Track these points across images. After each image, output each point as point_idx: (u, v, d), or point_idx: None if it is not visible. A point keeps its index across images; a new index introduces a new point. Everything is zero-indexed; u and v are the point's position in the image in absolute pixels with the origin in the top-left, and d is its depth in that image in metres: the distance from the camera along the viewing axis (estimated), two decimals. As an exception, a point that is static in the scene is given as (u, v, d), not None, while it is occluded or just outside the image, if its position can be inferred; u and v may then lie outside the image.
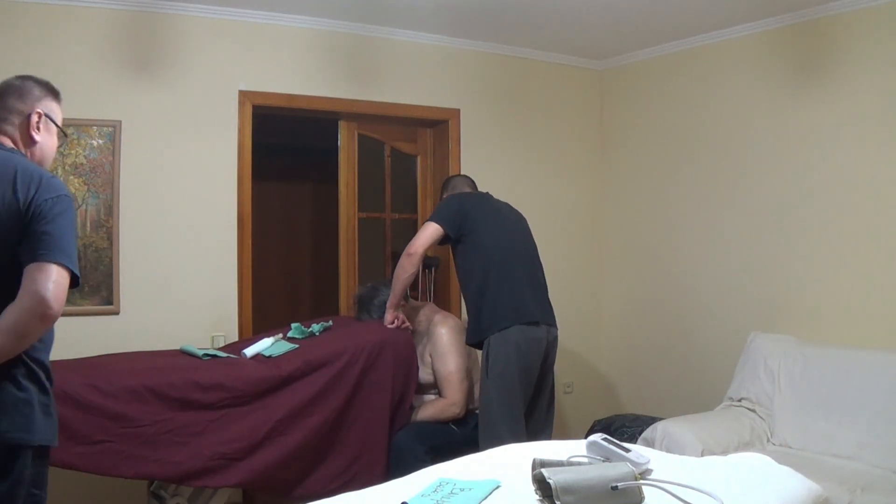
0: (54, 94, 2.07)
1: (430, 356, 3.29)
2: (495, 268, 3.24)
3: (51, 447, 1.87)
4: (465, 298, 3.41)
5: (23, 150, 1.95)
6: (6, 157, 1.84)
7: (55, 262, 1.74)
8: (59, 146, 2.11)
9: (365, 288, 3.56)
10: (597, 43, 4.57)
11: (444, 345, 3.27)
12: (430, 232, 3.26)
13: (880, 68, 3.51)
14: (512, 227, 3.44)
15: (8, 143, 1.92)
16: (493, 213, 3.41)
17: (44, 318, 1.75)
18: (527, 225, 3.56)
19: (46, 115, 2.00)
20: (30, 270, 1.73)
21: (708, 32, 4.23)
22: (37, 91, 2.01)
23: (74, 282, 1.82)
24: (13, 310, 1.72)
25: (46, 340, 1.91)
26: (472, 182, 3.75)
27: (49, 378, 1.89)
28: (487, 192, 3.59)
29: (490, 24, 4.20)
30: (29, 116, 1.96)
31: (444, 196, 3.60)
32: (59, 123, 2.05)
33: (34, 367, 1.83)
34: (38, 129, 1.98)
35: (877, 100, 3.52)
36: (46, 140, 2.02)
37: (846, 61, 3.63)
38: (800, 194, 3.84)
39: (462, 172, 4.54)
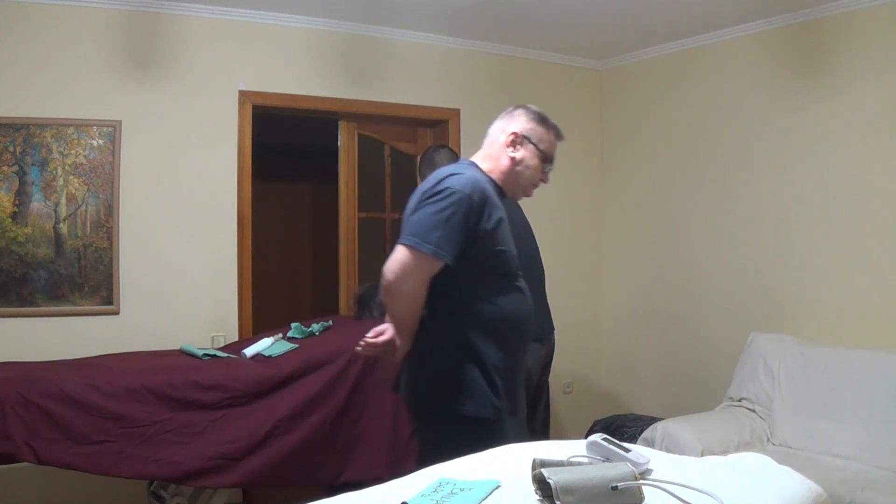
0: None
1: None
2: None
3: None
4: None
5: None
6: None
7: (401, 244, 2.01)
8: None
9: (364, 287, 3.55)
10: (597, 43, 4.57)
11: None
12: None
13: (880, 68, 3.50)
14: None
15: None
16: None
17: (385, 287, 2.04)
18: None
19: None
20: None
21: (708, 32, 4.23)
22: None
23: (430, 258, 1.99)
24: None
25: (482, 322, 2.07)
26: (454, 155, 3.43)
27: (479, 354, 2.06)
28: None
29: (490, 24, 4.20)
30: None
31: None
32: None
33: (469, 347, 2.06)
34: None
35: (877, 100, 3.52)
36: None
37: (846, 61, 3.63)
38: (800, 194, 3.84)
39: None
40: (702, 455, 3.05)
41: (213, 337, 3.76)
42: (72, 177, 3.55)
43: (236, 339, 3.76)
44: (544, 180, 2.41)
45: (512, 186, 2.32)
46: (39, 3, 3.48)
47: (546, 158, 2.37)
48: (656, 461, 1.70)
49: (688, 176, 4.46)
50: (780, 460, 1.78)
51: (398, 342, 2.14)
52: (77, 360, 2.97)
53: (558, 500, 1.36)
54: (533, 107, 2.36)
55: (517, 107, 2.37)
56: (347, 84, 4.18)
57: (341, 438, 2.92)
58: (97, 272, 3.60)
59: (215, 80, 3.85)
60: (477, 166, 2.27)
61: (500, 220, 2.13)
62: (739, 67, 4.15)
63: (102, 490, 3.30)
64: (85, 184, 3.58)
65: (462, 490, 1.54)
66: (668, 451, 2.98)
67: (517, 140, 2.27)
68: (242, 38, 3.91)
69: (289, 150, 5.83)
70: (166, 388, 2.64)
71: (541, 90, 4.79)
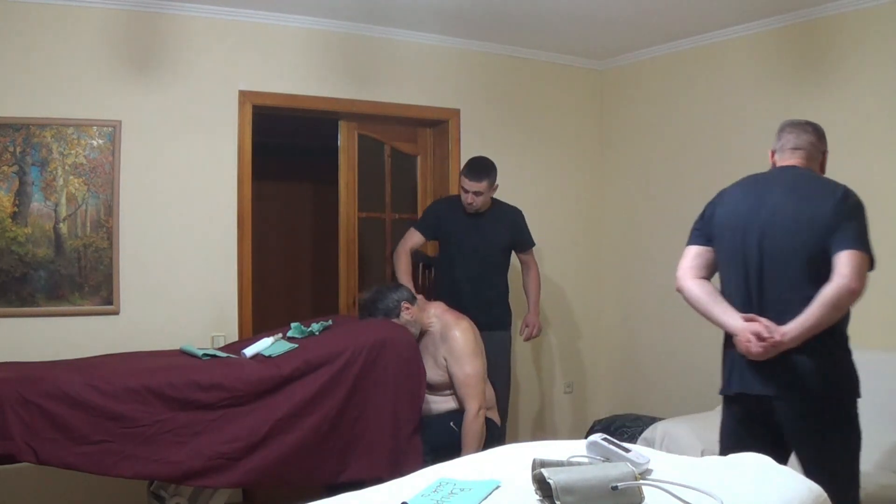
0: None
1: (445, 359, 3.25)
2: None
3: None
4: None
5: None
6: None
7: (858, 250, 2.24)
8: None
9: (370, 292, 3.54)
10: (597, 43, 4.57)
11: (460, 348, 3.23)
12: None
13: (880, 68, 3.50)
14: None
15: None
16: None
17: (851, 293, 2.20)
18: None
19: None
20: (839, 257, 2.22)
21: (708, 32, 4.23)
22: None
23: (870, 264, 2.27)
24: (829, 287, 2.18)
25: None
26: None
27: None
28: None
29: (490, 24, 4.20)
30: (824, 154, 2.54)
31: None
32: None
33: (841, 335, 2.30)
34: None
35: (877, 99, 3.52)
36: None
37: (846, 61, 3.63)
38: (800, 194, 3.84)
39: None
40: (702, 455, 3.04)
41: (213, 337, 3.76)
42: (72, 177, 3.55)
43: (236, 339, 3.76)
44: None
45: None
46: (39, 3, 3.48)
47: None
48: (656, 461, 1.70)
49: (688, 175, 4.45)
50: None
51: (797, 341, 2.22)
52: (77, 360, 2.96)
53: (558, 500, 1.36)
54: None
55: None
56: (347, 84, 4.18)
57: (341, 438, 2.92)
58: (97, 272, 3.59)
59: (215, 80, 3.85)
60: None
61: None
62: (739, 67, 4.15)
63: (102, 490, 3.30)
64: (85, 184, 3.58)
65: (462, 490, 1.54)
66: (668, 450, 2.98)
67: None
68: (242, 38, 3.91)
69: (289, 150, 5.83)
70: (166, 388, 2.64)
71: (541, 90, 4.79)
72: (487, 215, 3.89)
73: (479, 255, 3.89)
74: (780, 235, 2.30)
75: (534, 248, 4.10)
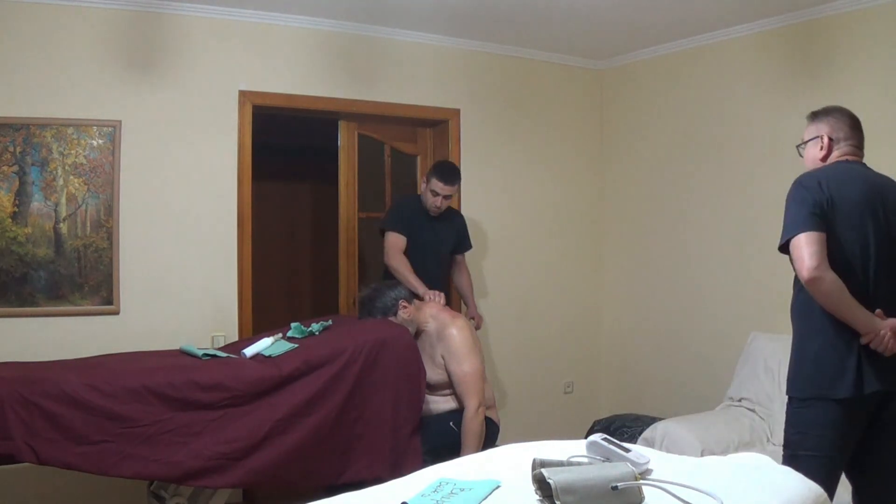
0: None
1: (443, 357, 3.26)
2: None
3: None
4: None
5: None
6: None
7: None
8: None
9: (368, 289, 3.54)
10: (597, 43, 4.57)
11: (458, 345, 3.24)
12: None
13: (880, 68, 3.51)
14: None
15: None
16: None
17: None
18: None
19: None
20: None
21: (708, 32, 4.23)
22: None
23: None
24: None
25: None
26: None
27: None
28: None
29: (490, 24, 4.20)
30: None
31: None
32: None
33: None
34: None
35: (877, 99, 3.52)
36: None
37: (846, 61, 3.63)
38: (800, 194, 3.84)
39: (462, 172, 4.53)
40: (702, 455, 3.05)
41: (213, 337, 3.76)
42: (72, 177, 3.55)
43: (236, 339, 3.76)
44: None
45: None
46: (39, 3, 3.48)
47: None
48: (656, 461, 1.70)
49: (688, 176, 4.45)
50: (780, 460, 1.78)
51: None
52: (77, 360, 2.96)
53: (558, 500, 1.36)
54: None
55: None
56: (347, 84, 4.18)
57: (341, 438, 2.92)
58: (97, 272, 3.60)
59: (215, 80, 3.85)
60: None
61: None
62: (739, 67, 4.15)
63: (102, 490, 3.30)
64: (85, 184, 3.58)
65: (462, 490, 1.54)
66: (668, 451, 2.99)
67: None
68: (242, 38, 3.91)
69: (289, 150, 5.83)
70: (166, 388, 2.64)
71: (541, 90, 4.79)
72: (440, 217, 4.01)
73: (434, 254, 4.01)
74: (892, 230, 2.31)
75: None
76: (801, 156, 2.64)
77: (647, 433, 3.45)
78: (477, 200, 4.53)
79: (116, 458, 2.53)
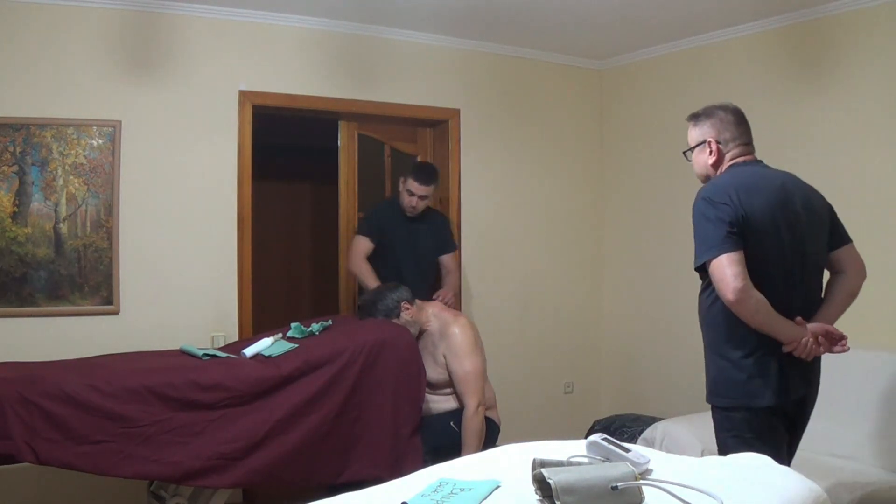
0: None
1: (445, 356, 3.27)
2: None
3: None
4: None
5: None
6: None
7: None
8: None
9: (369, 293, 3.54)
10: (597, 43, 4.57)
11: (459, 345, 3.24)
12: None
13: (880, 68, 3.50)
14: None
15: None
16: None
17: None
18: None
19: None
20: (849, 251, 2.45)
21: (708, 32, 4.23)
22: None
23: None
24: (851, 281, 2.42)
25: None
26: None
27: None
28: None
29: (490, 24, 4.20)
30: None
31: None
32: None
33: None
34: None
35: (877, 99, 3.52)
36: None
37: (846, 61, 3.63)
38: (800, 194, 3.84)
39: (461, 172, 4.53)
40: (702, 455, 3.05)
41: (213, 337, 3.76)
42: (72, 177, 3.56)
43: (236, 339, 3.76)
44: None
45: None
46: (39, 3, 3.48)
47: None
48: (656, 461, 1.70)
49: (688, 175, 4.43)
50: (780, 460, 1.78)
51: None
52: (77, 360, 2.96)
53: (558, 500, 1.36)
54: None
55: None
56: (347, 84, 4.18)
57: (341, 438, 2.92)
58: (97, 272, 3.60)
59: (215, 80, 3.85)
60: None
61: None
62: (739, 67, 4.14)
63: (102, 490, 3.30)
64: (85, 184, 3.58)
65: (462, 490, 1.54)
66: (668, 451, 2.98)
67: None
68: (242, 38, 3.91)
69: (289, 150, 5.83)
70: (166, 388, 2.64)
71: (541, 90, 4.79)
72: (422, 219, 3.98)
73: (415, 257, 3.98)
74: (808, 237, 2.30)
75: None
76: (689, 161, 2.57)
77: (647, 433, 3.45)
78: (477, 200, 4.54)
79: (116, 458, 2.53)
